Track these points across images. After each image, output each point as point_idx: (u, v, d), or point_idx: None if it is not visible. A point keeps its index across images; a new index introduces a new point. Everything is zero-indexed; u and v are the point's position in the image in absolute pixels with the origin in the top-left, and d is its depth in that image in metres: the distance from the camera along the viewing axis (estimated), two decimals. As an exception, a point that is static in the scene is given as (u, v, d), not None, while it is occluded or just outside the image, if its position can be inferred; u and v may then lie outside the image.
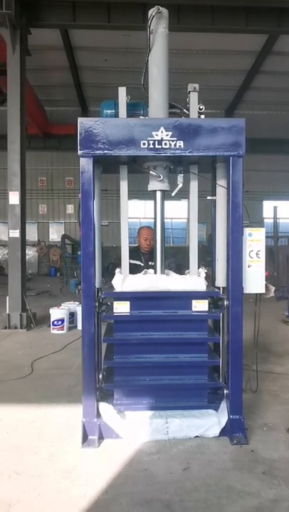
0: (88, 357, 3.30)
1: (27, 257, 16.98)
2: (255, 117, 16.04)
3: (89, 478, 2.76)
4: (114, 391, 3.47)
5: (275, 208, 12.89)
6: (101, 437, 3.26)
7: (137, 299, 3.42)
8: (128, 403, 3.44)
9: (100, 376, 3.48)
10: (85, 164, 3.13)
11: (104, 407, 3.34)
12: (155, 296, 3.46)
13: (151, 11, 3.47)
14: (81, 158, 3.13)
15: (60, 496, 2.58)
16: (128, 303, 3.37)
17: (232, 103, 15.54)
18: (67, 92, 14.22)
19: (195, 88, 3.52)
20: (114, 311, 3.39)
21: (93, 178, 3.19)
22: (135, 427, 3.25)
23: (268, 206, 16.17)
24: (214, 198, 3.70)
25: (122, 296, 3.40)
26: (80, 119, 3.16)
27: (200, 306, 3.39)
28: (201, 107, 3.52)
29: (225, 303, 3.36)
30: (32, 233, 18.35)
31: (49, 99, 14.42)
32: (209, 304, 3.49)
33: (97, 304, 3.35)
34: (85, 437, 3.22)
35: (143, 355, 3.44)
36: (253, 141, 15.57)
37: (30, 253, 17.93)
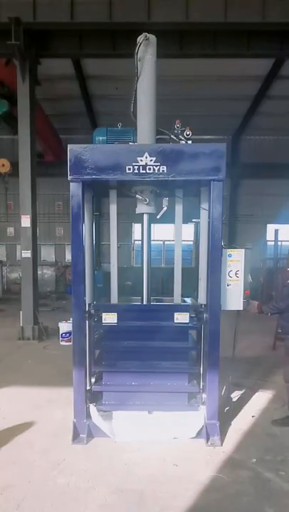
0: (78, 364, 3.60)
1: (45, 276, 17.86)
2: (262, 142, 16.34)
3: (74, 469, 3.05)
4: (103, 393, 3.75)
5: (276, 230, 13.18)
6: (91, 435, 3.56)
7: (124, 310, 3.72)
8: (115, 404, 3.70)
9: (93, 380, 3.76)
10: (75, 189, 3.44)
11: (94, 409, 3.62)
12: (142, 309, 3.76)
13: (139, 38, 3.60)
14: (71, 183, 3.43)
15: (47, 483, 2.88)
16: (115, 314, 3.66)
17: (238, 128, 15.80)
18: (80, 120, 14.84)
19: None
20: (103, 321, 3.68)
21: (83, 201, 3.49)
22: (120, 428, 3.52)
23: (272, 230, 16.30)
24: (199, 220, 3.93)
25: (110, 309, 3.70)
26: (69, 146, 3.44)
27: (181, 318, 3.66)
28: (188, 133, 3.73)
29: (205, 316, 3.60)
30: (50, 254, 19.08)
31: (64, 128, 15.12)
32: (193, 317, 3.73)
33: (87, 315, 3.65)
34: (75, 435, 3.52)
35: (129, 361, 3.72)
36: (259, 166, 15.93)
37: (49, 272, 18.61)
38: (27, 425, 3.90)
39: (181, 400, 3.73)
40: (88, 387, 3.68)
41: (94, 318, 3.76)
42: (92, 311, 3.73)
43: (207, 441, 3.48)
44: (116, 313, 3.66)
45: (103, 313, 3.69)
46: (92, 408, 3.63)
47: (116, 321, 3.66)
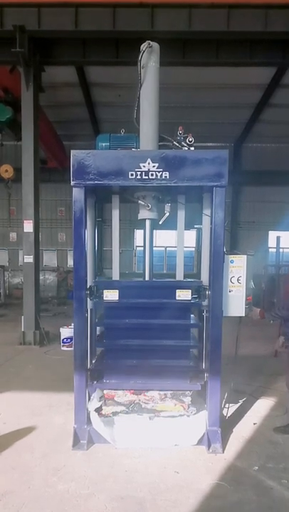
0: (79, 369, 3.58)
1: (47, 281, 17.87)
2: (264, 150, 16.40)
3: (74, 476, 3.03)
4: (104, 372, 3.73)
5: (278, 237, 13.26)
6: (91, 441, 3.54)
7: (125, 287, 3.69)
8: (116, 382, 3.69)
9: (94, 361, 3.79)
10: (77, 194, 3.45)
11: (95, 415, 3.60)
12: (143, 286, 3.78)
13: (142, 46, 3.65)
14: (73, 189, 3.44)
15: (47, 489, 2.86)
16: (117, 291, 3.62)
17: (241, 136, 15.89)
18: (83, 127, 14.98)
19: None
20: (104, 298, 3.64)
21: (85, 207, 3.50)
22: (121, 434, 3.49)
23: (273, 237, 16.37)
24: (201, 226, 3.94)
25: (112, 285, 3.68)
26: (72, 152, 3.46)
27: (183, 295, 3.62)
28: (190, 139, 3.74)
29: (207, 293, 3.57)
30: (52, 259, 19.13)
31: (67, 134, 15.23)
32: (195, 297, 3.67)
33: (88, 293, 3.59)
34: (76, 441, 3.50)
35: (130, 340, 3.68)
36: (261, 173, 15.99)
37: (51, 278, 18.65)
38: (27, 430, 3.89)
39: (182, 378, 3.69)
40: (89, 367, 3.67)
41: (95, 296, 3.70)
42: (94, 289, 3.68)
43: (208, 448, 3.45)
44: (117, 290, 3.62)
45: (104, 291, 3.64)
46: (93, 414, 3.60)
47: (117, 298, 3.61)
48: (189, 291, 3.61)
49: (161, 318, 3.64)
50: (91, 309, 3.77)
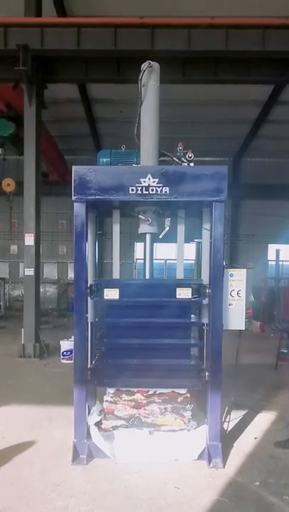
0: (79, 383, 3.58)
1: (47, 293, 17.87)
2: (263, 164, 16.61)
3: (74, 491, 3.01)
4: (105, 370, 3.73)
5: (277, 250, 13.37)
6: (91, 456, 3.52)
7: (126, 286, 3.72)
8: (116, 381, 3.69)
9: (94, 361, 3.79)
10: (79, 208, 3.51)
11: (94, 429, 3.59)
12: (144, 284, 3.81)
13: (143, 66, 3.77)
14: (75, 203, 3.50)
15: (46, 506, 2.84)
16: (117, 290, 3.64)
17: (240, 151, 16.10)
18: (85, 141, 15.20)
19: None
20: (105, 297, 3.65)
21: (86, 221, 3.55)
22: (121, 449, 3.48)
23: (273, 250, 16.50)
24: (201, 240, 3.99)
25: (112, 284, 3.70)
26: (74, 167, 3.53)
27: (184, 293, 3.64)
28: (190, 155, 3.82)
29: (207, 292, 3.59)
30: (53, 272, 19.19)
31: (69, 149, 15.44)
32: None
33: (89, 291, 3.61)
34: (75, 455, 3.48)
35: (131, 339, 3.68)
36: (260, 187, 16.15)
37: (51, 290, 18.69)
38: (26, 444, 3.86)
39: (183, 377, 3.69)
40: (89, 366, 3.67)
41: (96, 294, 3.71)
42: (94, 288, 3.70)
43: (209, 463, 3.43)
44: (118, 289, 3.63)
45: (105, 289, 3.65)
46: (93, 428, 3.60)
47: (118, 297, 3.63)
48: (189, 290, 3.62)
49: (162, 317, 3.65)
50: (91, 322, 3.79)
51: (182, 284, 3.68)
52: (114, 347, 3.76)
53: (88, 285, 3.64)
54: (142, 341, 3.67)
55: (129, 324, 3.67)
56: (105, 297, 3.64)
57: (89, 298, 3.66)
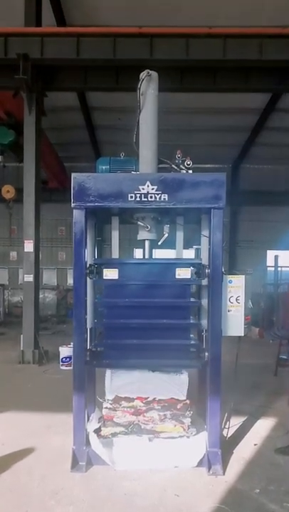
0: (78, 389, 3.57)
1: (47, 299, 17.86)
2: (261, 171, 16.72)
3: (73, 499, 2.99)
4: (104, 351, 3.73)
5: (276, 256, 13.43)
6: (90, 463, 3.50)
7: (125, 265, 3.73)
8: (115, 361, 3.70)
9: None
10: (78, 215, 3.51)
11: (94, 436, 3.58)
12: (143, 264, 3.82)
13: (142, 75, 3.81)
14: (74, 210, 3.51)
15: (44, 514, 2.84)
16: (116, 270, 3.64)
17: (238, 158, 16.22)
18: (84, 148, 15.31)
19: None
20: (104, 277, 3.66)
21: (86, 228, 3.56)
22: (120, 456, 3.47)
23: (271, 256, 16.58)
24: (200, 247, 4.02)
25: (111, 263, 3.73)
26: (73, 175, 3.55)
27: (183, 273, 3.64)
28: (188, 163, 3.83)
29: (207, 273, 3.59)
30: (52, 278, 19.21)
31: (68, 156, 15.52)
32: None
33: (88, 272, 3.62)
34: (74, 463, 3.47)
35: (130, 319, 3.68)
36: (258, 194, 16.25)
37: (50, 296, 18.70)
38: (25, 452, 3.85)
39: (183, 357, 3.69)
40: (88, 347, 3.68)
41: (94, 275, 3.70)
42: (94, 268, 3.69)
43: (209, 470, 3.42)
44: (117, 269, 3.63)
45: (104, 269, 3.65)
46: (92, 435, 3.59)
47: (117, 277, 3.62)
48: (189, 270, 3.62)
49: (161, 297, 3.66)
50: (91, 328, 3.81)
51: (181, 263, 3.68)
52: (113, 327, 3.74)
53: (88, 265, 3.64)
54: (141, 321, 3.66)
55: (128, 304, 3.66)
56: (104, 277, 3.64)
57: (88, 305, 3.67)
